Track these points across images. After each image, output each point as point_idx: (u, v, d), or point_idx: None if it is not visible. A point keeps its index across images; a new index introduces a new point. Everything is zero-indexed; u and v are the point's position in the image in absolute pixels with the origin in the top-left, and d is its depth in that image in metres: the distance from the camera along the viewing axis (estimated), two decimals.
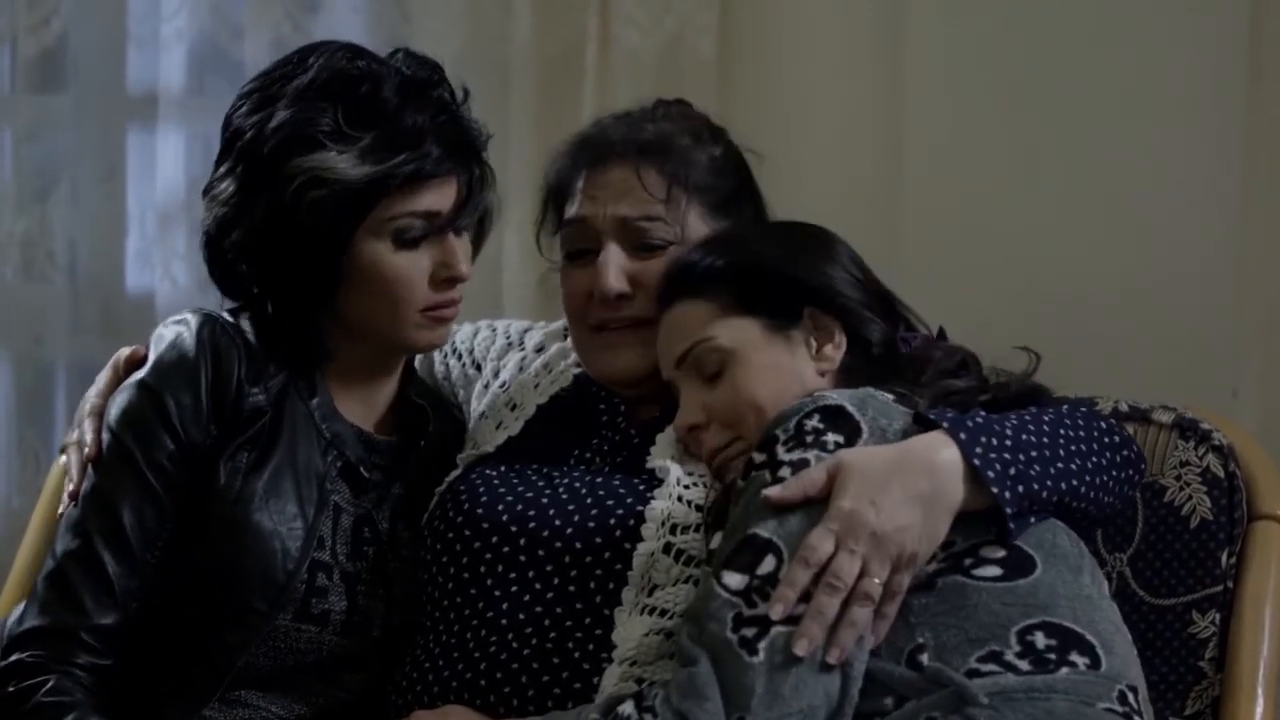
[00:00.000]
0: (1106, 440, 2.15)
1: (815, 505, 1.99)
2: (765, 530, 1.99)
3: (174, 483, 2.22)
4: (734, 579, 1.97)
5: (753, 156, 2.43)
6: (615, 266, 2.33)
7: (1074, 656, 1.98)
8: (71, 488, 2.23)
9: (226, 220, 2.25)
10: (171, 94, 3.38)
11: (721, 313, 2.21)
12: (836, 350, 2.20)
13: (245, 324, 2.30)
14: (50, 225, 3.45)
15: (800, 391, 2.14)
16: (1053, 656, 1.97)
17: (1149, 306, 2.82)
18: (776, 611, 1.94)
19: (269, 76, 2.28)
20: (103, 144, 3.43)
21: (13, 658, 2.19)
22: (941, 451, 2.02)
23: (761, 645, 1.93)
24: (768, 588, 1.96)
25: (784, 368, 2.19)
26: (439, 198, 2.25)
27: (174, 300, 3.31)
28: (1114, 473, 2.14)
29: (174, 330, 2.28)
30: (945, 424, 2.04)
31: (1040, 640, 1.98)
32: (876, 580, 1.96)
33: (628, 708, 1.96)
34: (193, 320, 2.27)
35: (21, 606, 2.25)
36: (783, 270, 2.23)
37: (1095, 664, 1.98)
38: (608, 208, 2.34)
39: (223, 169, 2.27)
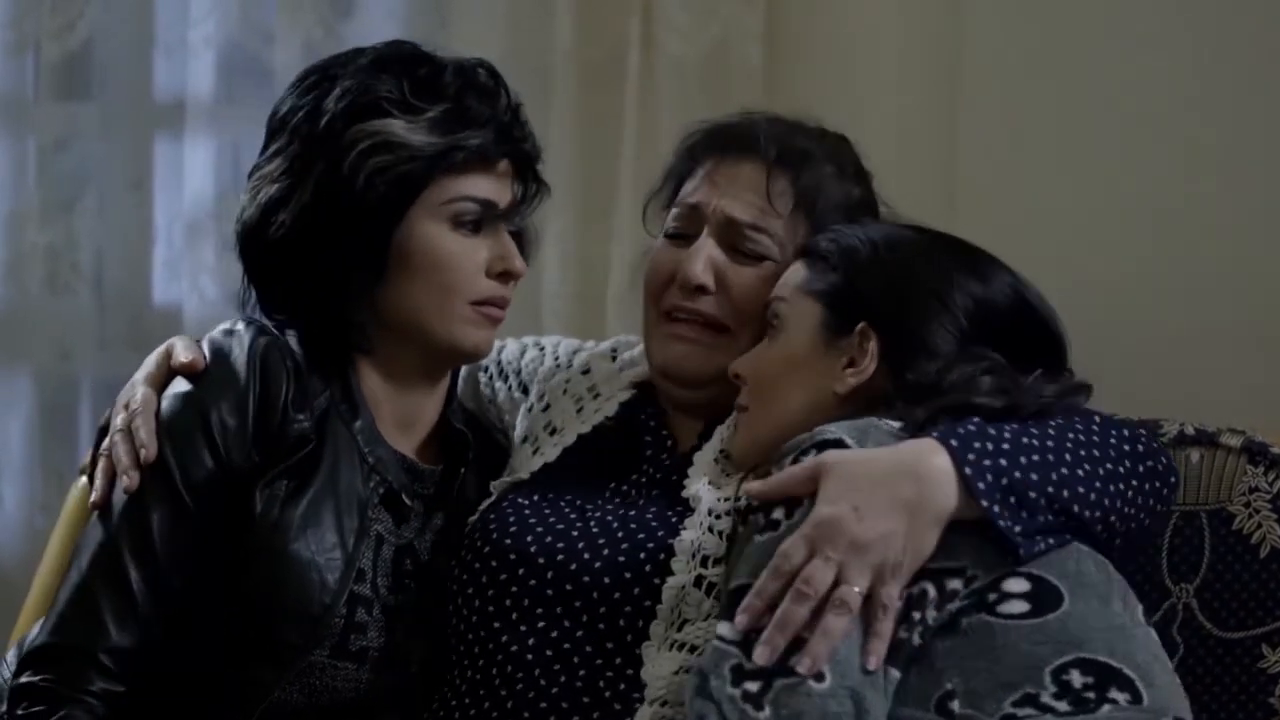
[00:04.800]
0: (1127, 449, 2.07)
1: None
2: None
3: (208, 505, 2.16)
4: (726, 628, 1.93)
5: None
6: (705, 258, 2.29)
7: (1114, 693, 1.92)
8: (127, 482, 2.14)
9: (273, 202, 2.20)
10: (200, 101, 3.33)
11: (808, 285, 2.20)
12: (855, 376, 2.14)
13: (292, 340, 2.24)
14: (76, 236, 3.41)
15: (805, 399, 2.14)
16: (1092, 695, 1.92)
17: (1214, 324, 2.79)
18: (740, 622, 1.91)
19: (326, 63, 2.27)
20: (129, 153, 3.39)
21: (23, 678, 2.13)
22: (932, 458, 1.97)
23: (767, 700, 1.87)
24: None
25: (808, 366, 2.16)
26: (498, 188, 2.23)
27: (202, 313, 3.28)
28: (1133, 482, 2.06)
29: (225, 342, 2.21)
30: (935, 434, 1.98)
31: (1077, 679, 1.93)
32: (856, 589, 1.90)
33: None
34: (245, 335, 2.21)
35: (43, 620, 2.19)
36: (866, 278, 2.18)
37: (1137, 699, 1.93)
38: (722, 200, 2.30)
39: (272, 149, 2.24)
